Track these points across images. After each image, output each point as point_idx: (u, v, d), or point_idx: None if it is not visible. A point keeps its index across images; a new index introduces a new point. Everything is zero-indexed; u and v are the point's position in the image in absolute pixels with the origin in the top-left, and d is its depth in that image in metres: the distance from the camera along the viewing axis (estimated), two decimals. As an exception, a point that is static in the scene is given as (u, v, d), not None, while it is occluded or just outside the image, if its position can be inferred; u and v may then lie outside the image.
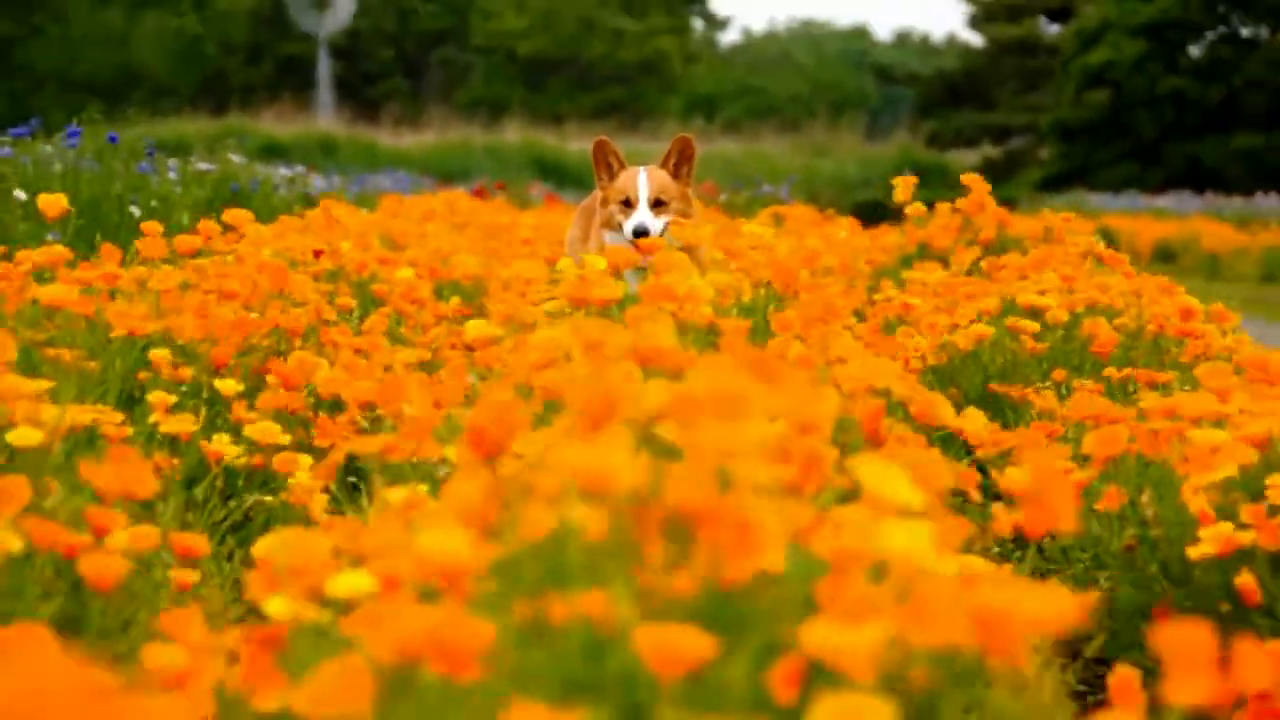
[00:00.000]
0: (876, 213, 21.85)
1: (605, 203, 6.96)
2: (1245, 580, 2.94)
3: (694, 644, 1.62)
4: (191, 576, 2.86)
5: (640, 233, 6.55)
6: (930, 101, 54.20)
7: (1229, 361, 4.92)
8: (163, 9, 61.54)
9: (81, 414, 3.25)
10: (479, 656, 1.67)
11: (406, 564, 1.85)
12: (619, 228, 6.74)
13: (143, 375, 4.38)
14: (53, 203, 5.88)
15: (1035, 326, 5.76)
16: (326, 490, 3.75)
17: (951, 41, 64.14)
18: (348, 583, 1.93)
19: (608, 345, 2.55)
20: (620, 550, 1.82)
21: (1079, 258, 7.14)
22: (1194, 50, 44.82)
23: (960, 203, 8.83)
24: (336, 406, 4.59)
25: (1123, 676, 2.00)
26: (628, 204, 6.75)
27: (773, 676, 1.67)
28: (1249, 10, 44.20)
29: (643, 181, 6.76)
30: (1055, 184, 39.48)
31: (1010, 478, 3.32)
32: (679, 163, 6.94)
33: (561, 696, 1.66)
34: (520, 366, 3.00)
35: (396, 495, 2.31)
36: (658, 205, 6.71)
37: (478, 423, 2.10)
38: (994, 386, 5.43)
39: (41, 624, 2.27)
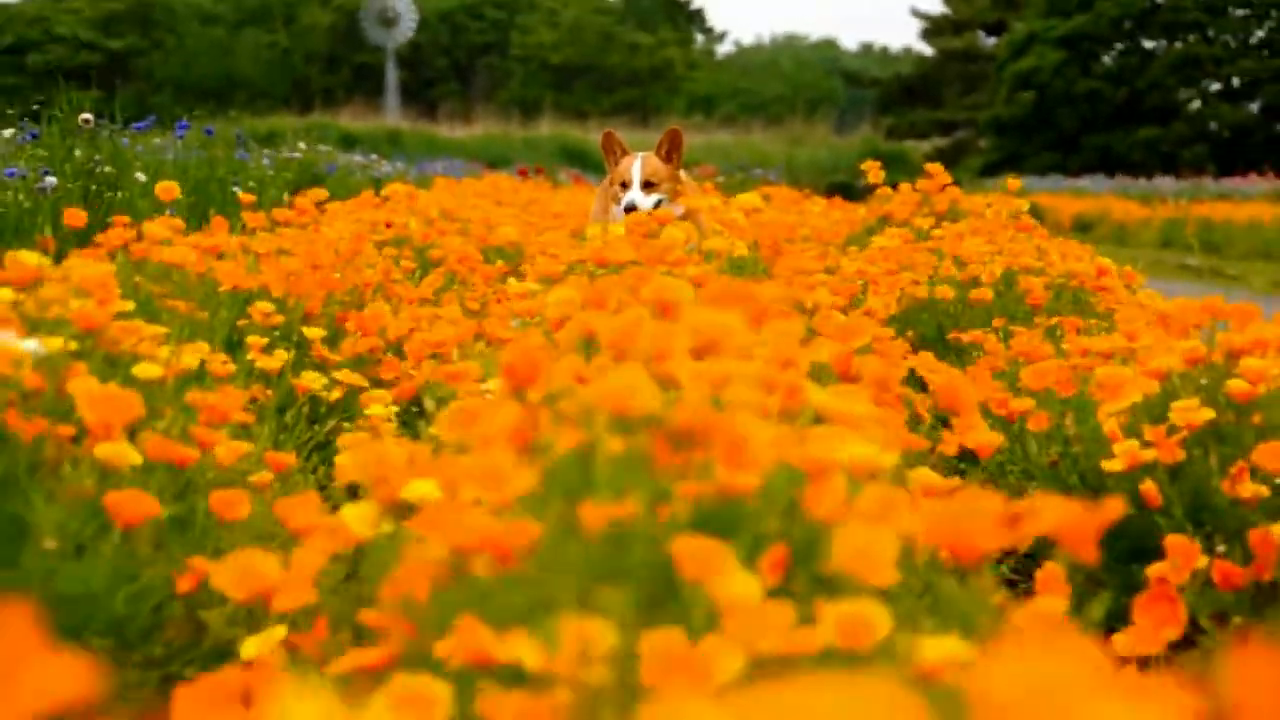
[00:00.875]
0: (845, 192, 21.87)
1: (611, 184, 7.11)
2: (1148, 488, 2.94)
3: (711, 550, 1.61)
4: (269, 478, 2.88)
5: (629, 208, 6.74)
6: (889, 101, 54.31)
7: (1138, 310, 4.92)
8: (258, 26, 61.62)
9: (191, 353, 3.25)
10: (522, 551, 1.67)
11: (462, 475, 1.85)
12: (620, 200, 6.90)
13: (243, 323, 4.38)
14: (167, 189, 6.07)
15: (987, 294, 5.76)
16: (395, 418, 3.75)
17: (907, 51, 63.85)
18: (417, 489, 1.93)
19: (614, 298, 2.55)
20: (639, 462, 1.82)
21: (1006, 226, 7.17)
22: (1105, 59, 44.99)
23: (920, 183, 8.92)
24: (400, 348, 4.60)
25: (1049, 570, 2.00)
26: (625, 185, 6.91)
27: (761, 564, 1.66)
28: (1149, 26, 44.46)
29: (636, 167, 6.95)
30: (992, 170, 39.34)
31: (935, 381, 3.32)
32: (670, 150, 7.08)
33: (591, 582, 1.66)
34: (548, 316, 3.01)
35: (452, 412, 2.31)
36: (648, 186, 6.89)
37: (511, 361, 2.10)
38: (953, 334, 5.40)
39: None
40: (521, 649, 1.47)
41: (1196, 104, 45.07)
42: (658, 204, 6.77)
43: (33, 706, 0.63)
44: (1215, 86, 45.26)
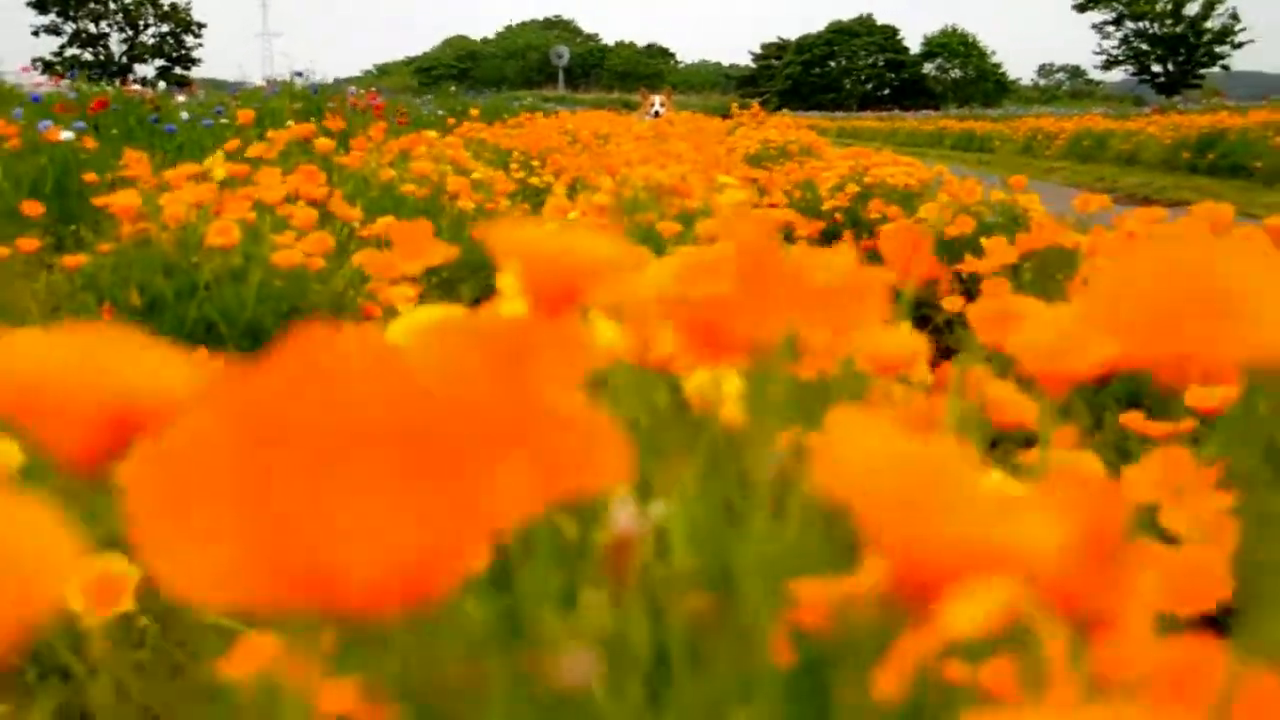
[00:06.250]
0: (725, 115, 20.96)
1: (644, 107, 6.71)
2: (838, 216, 2.79)
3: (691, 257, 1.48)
4: (516, 213, 2.74)
5: (656, 114, 6.37)
6: (741, 84, 51.91)
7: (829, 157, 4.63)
8: (513, 60, 58.70)
9: (487, 172, 3.07)
10: (615, 230, 1.54)
11: (588, 207, 1.71)
12: (649, 113, 6.51)
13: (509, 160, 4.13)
14: (476, 110, 5.68)
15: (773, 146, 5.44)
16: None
17: (747, 65, 60.42)
18: (571, 215, 1.77)
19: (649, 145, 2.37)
20: (655, 197, 1.68)
21: (787, 125, 6.77)
22: (817, 69, 43.59)
23: (750, 110, 8.46)
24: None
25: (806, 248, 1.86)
26: (652, 104, 6.54)
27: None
28: (832, 58, 43.45)
29: (658, 99, 6.56)
30: (778, 109, 37.81)
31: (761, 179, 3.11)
32: (667, 95, 6.69)
33: (641, 241, 1.54)
34: (618, 154, 2.81)
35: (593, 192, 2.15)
36: (662, 105, 6.51)
37: (606, 163, 1.93)
38: (763, 165, 5.08)
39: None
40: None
41: (849, 85, 43.62)
42: (664, 112, 6.44)
43: (435, 259, 0.61)
44: (858, 78, 43.79)
